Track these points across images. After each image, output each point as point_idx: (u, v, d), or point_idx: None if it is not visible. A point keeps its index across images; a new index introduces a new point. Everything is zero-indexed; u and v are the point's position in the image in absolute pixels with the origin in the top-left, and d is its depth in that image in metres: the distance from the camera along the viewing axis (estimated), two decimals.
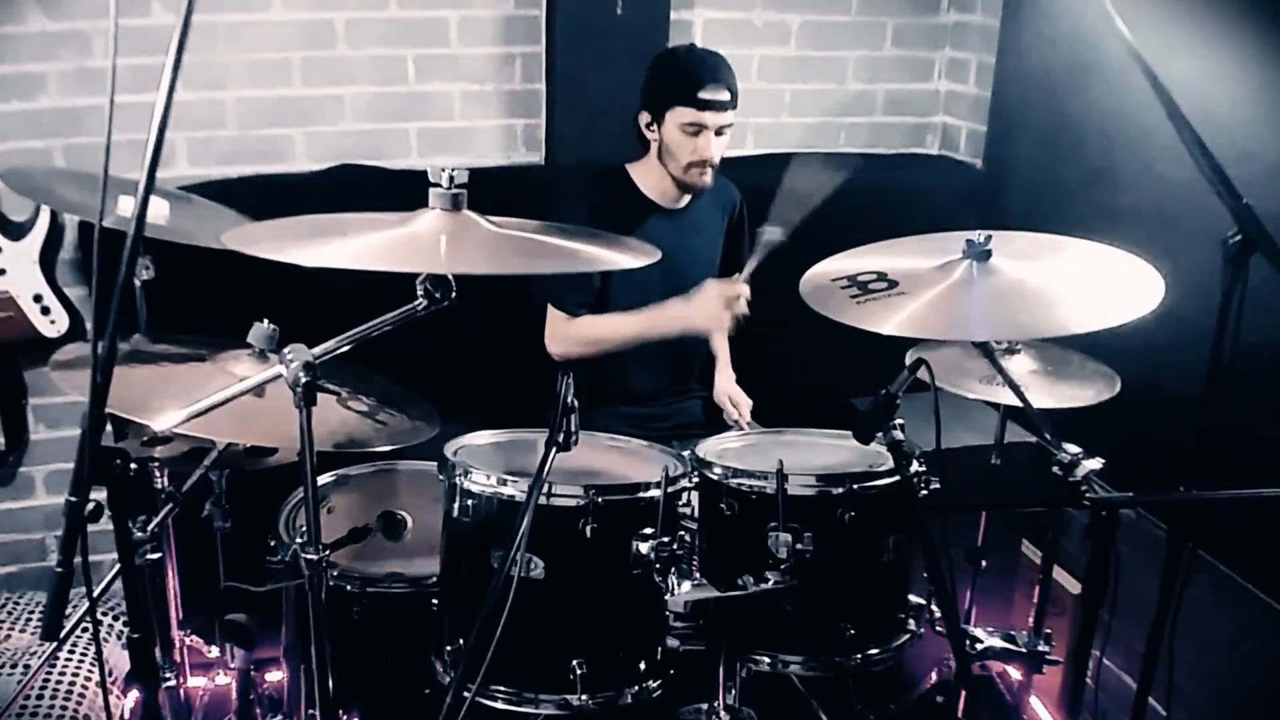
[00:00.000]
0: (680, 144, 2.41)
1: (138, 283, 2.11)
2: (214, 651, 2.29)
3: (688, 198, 2.56)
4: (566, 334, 2.50)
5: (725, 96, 2.37)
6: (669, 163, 2.46)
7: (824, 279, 1.85)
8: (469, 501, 1.74)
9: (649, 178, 2.53)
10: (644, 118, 2.47)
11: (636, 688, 1.76)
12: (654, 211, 2.53)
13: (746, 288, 2.37)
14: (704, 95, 2.36)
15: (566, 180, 2.78)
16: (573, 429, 1.56)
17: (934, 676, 2.40)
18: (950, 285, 1.75)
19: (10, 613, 2.61)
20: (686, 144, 2.41)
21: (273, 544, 2.01)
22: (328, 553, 1.54)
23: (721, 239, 2.67)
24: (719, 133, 2.41)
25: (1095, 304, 1.69)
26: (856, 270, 1.84)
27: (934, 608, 2.01)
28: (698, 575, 1.84)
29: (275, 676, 2.28)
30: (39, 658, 2.35)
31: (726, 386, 2.66)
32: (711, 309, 2.37)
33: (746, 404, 2.60)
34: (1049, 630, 2.28)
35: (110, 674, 2.30)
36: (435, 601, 1.87)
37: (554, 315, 2.51)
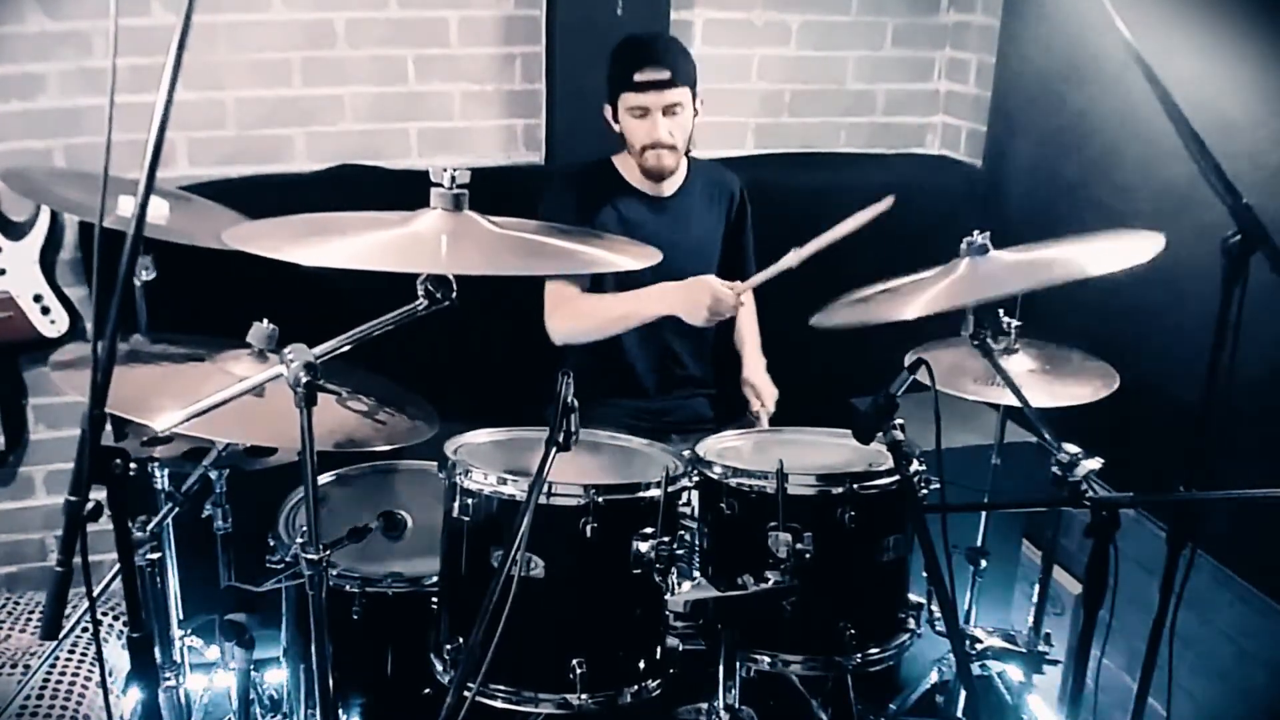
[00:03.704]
0: (633, 129, 2.42)
1: (138, 283, 2.11)
2: (214, 651, 2.29)
3: (673, 187, 2.56)
4: (566, 308, 2.47)
5: (664, 75, 2.35)
6: (630, 150, 2.47)
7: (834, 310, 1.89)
8: (469, 501, 1.74)
9: (630, 168, 2.54)
10: (608, 111, 2.49)
11: (636, 687, 1.76)
12: (640, 200, 2.54)
13: (739, 295, 2.33)
14: (639, 77, 2.36)
15: (556, 174, 2.78)
16: (573, 429, 1.55)
17: (934, 676, 2.40)
18: (952, 280, 1.77)
19: (10, 613, 2.61)
20: (638, 128, 2.41)
21: (273, 544, 2.01)
22: (328, 553, 1.54)
23: (720, 230, 2.65)
24: (668, 113, 2.38)
25: (1101, 253, 1.70)
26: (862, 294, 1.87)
27: (934, 607, 2.01)
28: (698, 575, 1.84)
29: (275, 676, 2.28)
30: (39, 658, 2.35)
31: (752, 374, 2.61)
32: (696, 300, 2.33)
33: (771, 394, 2.53)
34: (1049, 630, 2.28)
35: (110, 674, 2.30)
36: (435, 601, 1.87)
37: (552, 289, 2.49)
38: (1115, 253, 1.74)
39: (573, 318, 2.48)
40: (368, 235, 1.57)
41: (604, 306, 2.47)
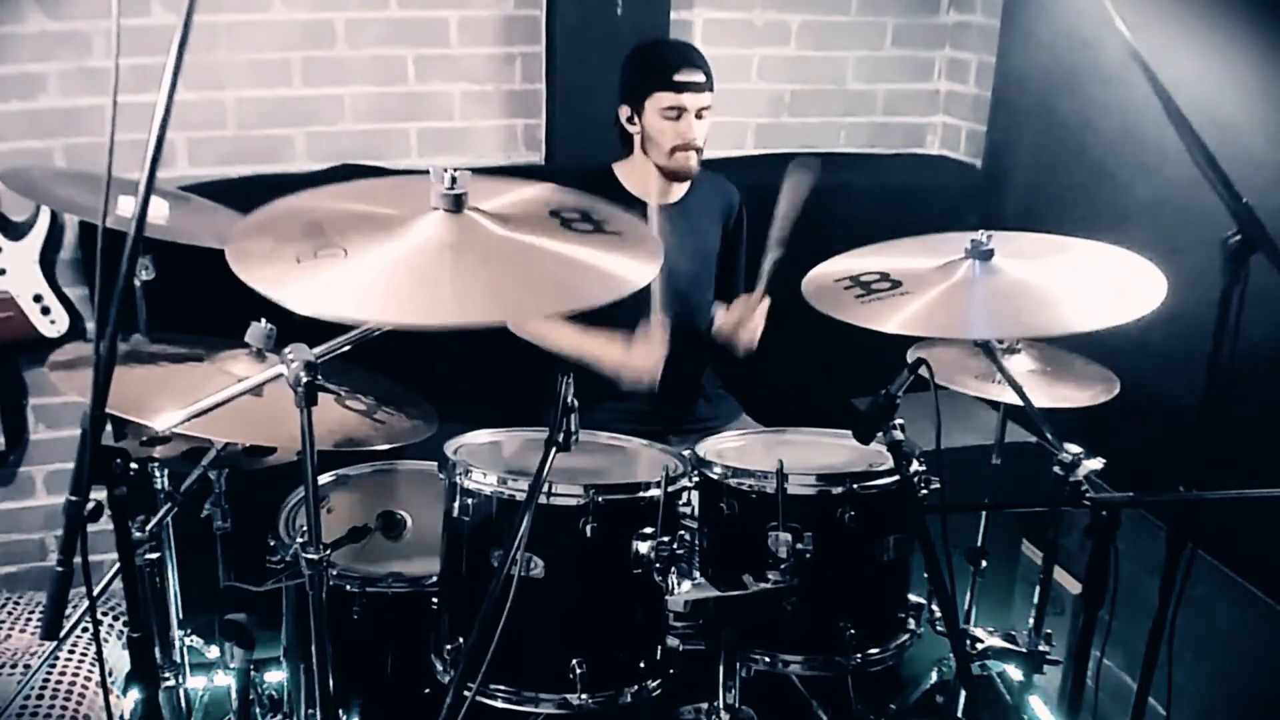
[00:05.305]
0: (662, 130, 2.43)
1: (138, 283, 2.11)
2: (214, 651, 2.29)
3: (678, 194, 2.56)
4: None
5: (700, 78, 2.41)
6: (653, 152, 2.47)
7: (827, 279, 1.85)
8: (469, 501, 1.74)
9: (634, 175, 2.53)
10: (624, 112, 2.48)
11: (636, 687, 1.76)
12: (643, 210, 2.53)
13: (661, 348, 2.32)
14: (679, 78, 2.39)
15: (552, 178, 2.76)
16: (573, 429, 1.56)
17: (934, 676, 2.40)
18: (953, 285, 1.76)
19: (10, 613, 2.60)
20: (668, 129, 2.42)
21: (273, 544, 2.01)
22: (328, 553, 1.54)
23: (719, 238, 2.66)
24: (699, 115, 2.43)
25: (1098, 303, 1.69)
26: (860, 270, 1.84)
27: (934, 608, 2.01)
28: (698, 575, 1.84)
29: (275, 676, 2.28)
30: (39, 658, 2.35)
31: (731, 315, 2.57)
32: (641, 366, 2.33)
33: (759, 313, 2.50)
34: (1049, 630, 2.28)
35: (110, 674, 2.30)
36: (435, 601, 1.87)
37: None
38: (1114, 290, 1.73)
39: (527, 329, 2.47)
40: None
41: (553, 338, 2.46)
